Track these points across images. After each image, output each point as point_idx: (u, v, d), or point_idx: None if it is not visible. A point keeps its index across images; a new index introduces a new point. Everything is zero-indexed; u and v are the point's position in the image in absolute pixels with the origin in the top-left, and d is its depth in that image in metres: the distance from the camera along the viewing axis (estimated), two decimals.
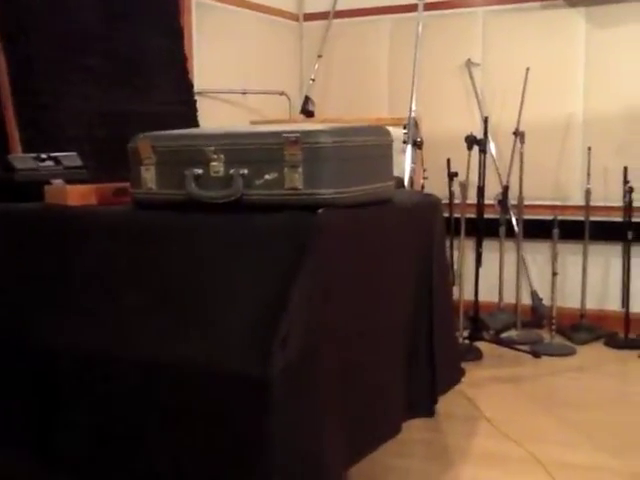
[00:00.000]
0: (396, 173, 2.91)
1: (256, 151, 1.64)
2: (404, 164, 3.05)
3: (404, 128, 3.11)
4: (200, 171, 1.69)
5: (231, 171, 1.65)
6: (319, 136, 1.61)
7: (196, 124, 3.17)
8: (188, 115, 3.14)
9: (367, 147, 1.76)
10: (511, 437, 2.46)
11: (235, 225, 1.62)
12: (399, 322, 1.98)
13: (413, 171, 3.10)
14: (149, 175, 1.76)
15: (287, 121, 4.01)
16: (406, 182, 3.01)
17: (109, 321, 1.70)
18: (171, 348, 1.60)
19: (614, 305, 3.74)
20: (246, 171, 1.64)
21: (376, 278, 1.83)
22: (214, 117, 3.40)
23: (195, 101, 3.19)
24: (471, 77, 3.93)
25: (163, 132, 1.80)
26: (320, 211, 1.59)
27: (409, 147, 3.04)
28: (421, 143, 3.14)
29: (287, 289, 1.50)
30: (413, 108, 3.13)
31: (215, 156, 1.67)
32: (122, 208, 1.84)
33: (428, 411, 2.07)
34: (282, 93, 4.08)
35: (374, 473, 2.20)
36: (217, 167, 1.68)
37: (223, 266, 1.60)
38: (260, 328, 1.49)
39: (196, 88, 3.26)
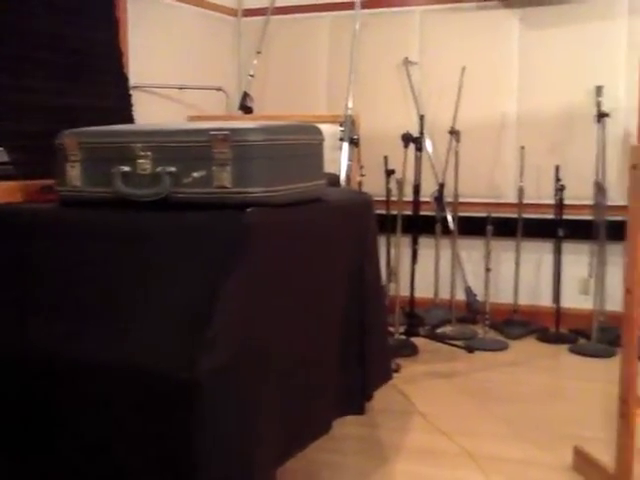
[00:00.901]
0: (333, 170, 2.93)
1: (184, 149, 1.62)
2: (341, 161, 3.05)
3: (341, 125, 3.11)
4: (127, 168, 1.66)
5: (158, 169, 1.63)
6: (248, 134, 1.60)
7: (131, 119, 3.13)
8: (123, 110, 3.09)
9: (298, 146, 1.75)
10: (444, 432, 2.49)
11: (162, 224, 1.60)
12: (331, 320, 1.98)
13: (350, 168, 3.11)
14: (75, 172, 1.73)
15: (224, 117, 3.98)
16: (342, 179, 3.01)
17: (31, 321, 1.66)
18: (97, 349, 1.57)
19: (546, 301, 3.83)
20: (174, 169, 1.62)
21: (308, 277, 1.83)
22: (151, 112, 3.35)
23: (130, 95, 3.14)
24: (408, 75, 3.96)
25: (90, 128, 1.76)
26: (249, 210, 1.58)
27: (345, 144, 3.05)
28: (358, 140, 3.15)
29: (216, 289, 1.49)
30: (350, 106, 3.14)
31: (142, 153, 1.65)
32: (47, 206, 1.80)
33: (359, 409, 2.08)
34: (219, 89, 4.05)
35: (308, 469, 2.21)
36: (144, 165, 1.65)
37: (150, 265, 1.57)
38: (187, 329, 1.48)
39: (132, 82, 3.21)
